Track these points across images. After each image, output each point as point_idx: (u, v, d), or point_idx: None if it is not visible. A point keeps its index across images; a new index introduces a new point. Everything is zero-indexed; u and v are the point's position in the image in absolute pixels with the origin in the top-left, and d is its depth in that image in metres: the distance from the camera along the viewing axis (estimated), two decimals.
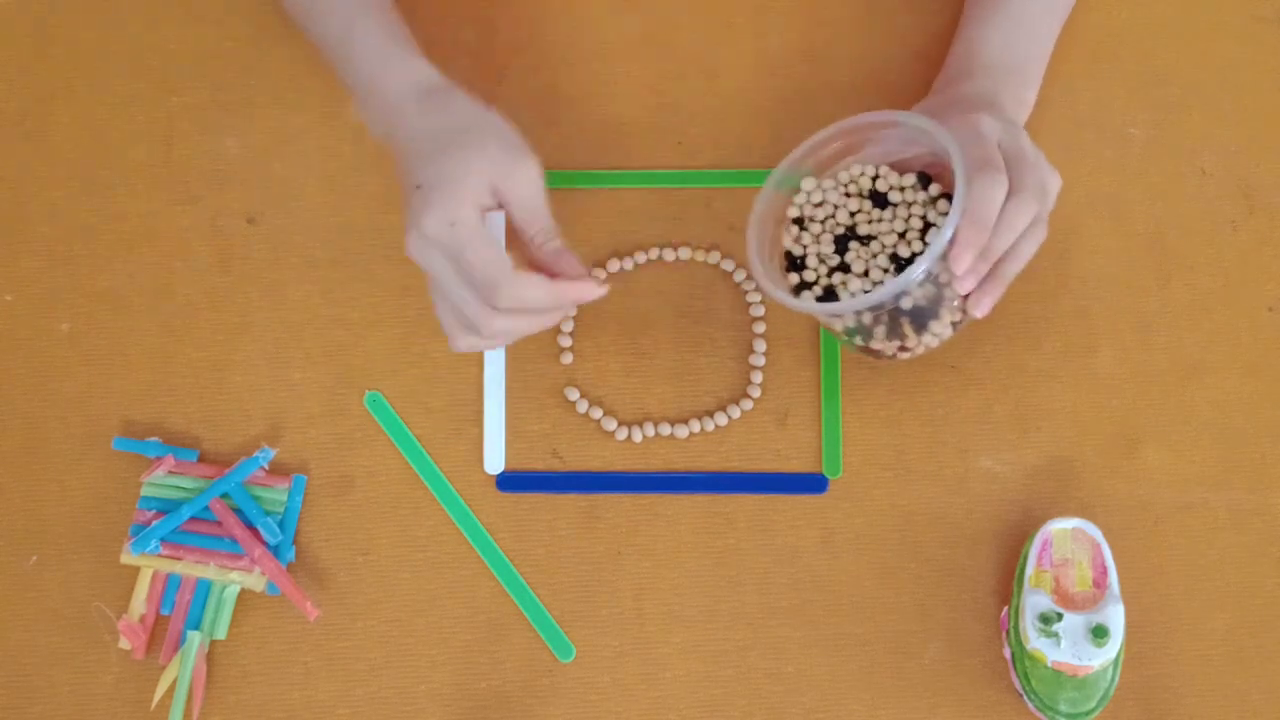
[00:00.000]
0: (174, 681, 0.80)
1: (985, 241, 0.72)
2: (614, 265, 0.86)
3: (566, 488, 0.83)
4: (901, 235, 0.76)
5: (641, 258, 0.86)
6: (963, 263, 0.71)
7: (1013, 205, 0.72)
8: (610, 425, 0.83)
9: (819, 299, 0.76)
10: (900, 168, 0.77)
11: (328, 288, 0.86)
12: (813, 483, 0.83)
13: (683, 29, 0.89)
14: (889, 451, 0.83)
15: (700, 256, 0.86)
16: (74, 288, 0.86)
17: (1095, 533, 0.79)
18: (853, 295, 0.75)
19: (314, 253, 0.86)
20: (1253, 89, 0.88)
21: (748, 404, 0.84)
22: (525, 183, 0.73)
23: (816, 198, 0.78)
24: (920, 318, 0.75)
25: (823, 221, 0.78)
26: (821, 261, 0.77)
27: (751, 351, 0.84)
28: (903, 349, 0.77)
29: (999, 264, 0.74)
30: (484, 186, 0.72)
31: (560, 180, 0.87)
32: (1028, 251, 0.74)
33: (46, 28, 0.89)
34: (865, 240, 0.76)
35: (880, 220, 0.76)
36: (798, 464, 0.83)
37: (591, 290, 0.74)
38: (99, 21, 0.89)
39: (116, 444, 0.83)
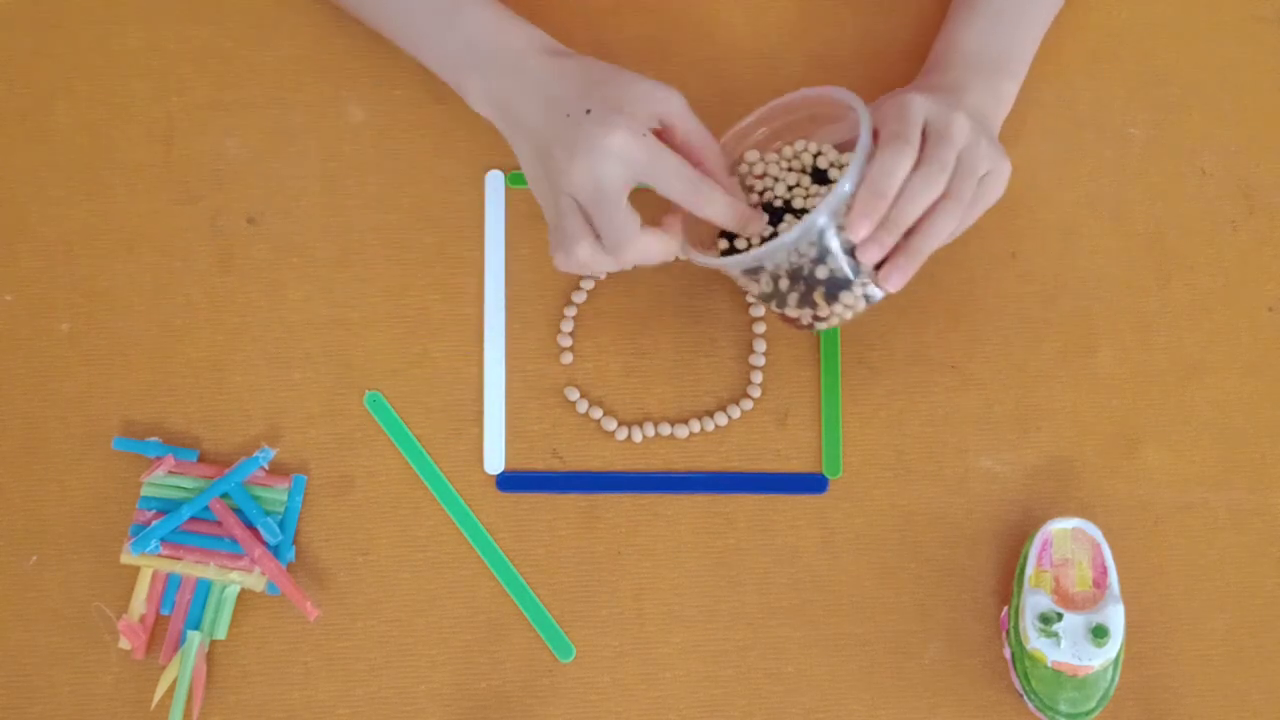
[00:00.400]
0: (174, 681, 0.80)
1: (883, 210, 0.72)
2: None
3: (566, 488, 0.83)
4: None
5: None
6: (859, 229, 0.72)
7: (916, 177, 0.72)
8: (610, 425, 0.83)
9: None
10: (849, 148, 0.77)
11: (328, 288, 0.86)
12: (813, 483, 0.83)
13: (683, 29, 0.89)
14: (889, 451, 0.83)
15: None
16: (74, 288, 0.86)
17: (1095, 533, 0.79)
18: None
19: (314, 253, 0.86)
20: (1253, 89, 0.88)
21: (748, 404, 0.84)
22: (679, 108, 0.75)
23: (759, 169, 0.78)
24: (833, 288, 0.75)
25: (761, 193, 0.78)
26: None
27: (751, 351, 0.84)
28: (816, 318, 0.77)
29: (910, 239, 0.74)
30: (649, 112, 0.74)
31: None
32: (940, 229, 0.74)
33: (46, 28, 0.89)
34: (799, 214, 0.76)
35: (815, 195, 0.76)
36: (798, 464, 0.83)
37: (760, 223, 0.76)
38: (99, 21, 0.89)
39: (116, 444, 0.83)
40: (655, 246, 0.75)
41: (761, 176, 0.78)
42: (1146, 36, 0.88)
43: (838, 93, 0.76)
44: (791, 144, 0.78)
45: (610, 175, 0.72)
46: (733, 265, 0.75)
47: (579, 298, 0.85)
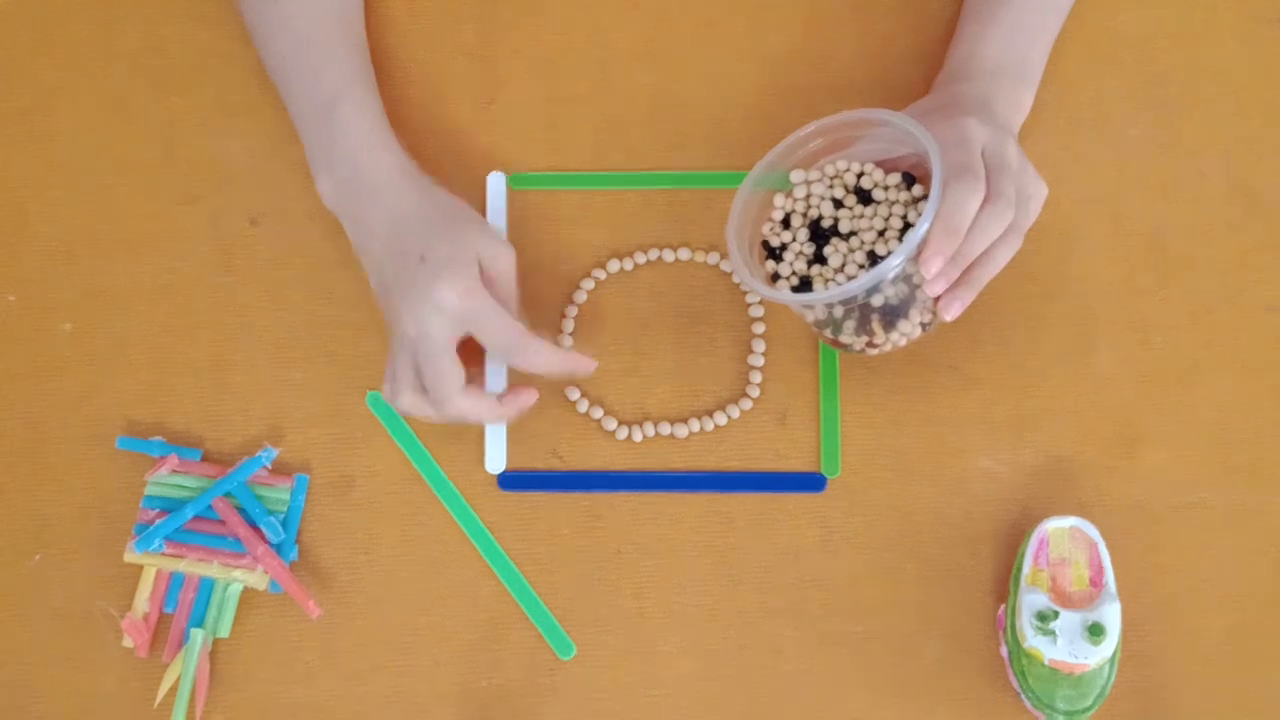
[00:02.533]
0: (177, 680, 0.80)
1: (956, 246, 0.72)
2: (614, 265, 0.86)
3: (567, 487, 0.83)
4: (881, 234, 0.76)
5: (641, 258, 0.86)
6: (933, 266, 0.72)
7: (987, 212, 0.73)
8: (610, 425, 0.84)
9: (794, 289, 0.77)
10: (888, 166, 0.78)
11: (329, 287, 0.86)
12: (812, 482, 0.83)
13: (683, 29, 0.89)
14: (888, 451, 0.83)
15: (700, 257, 0.86)
16: (76, 288, 0.86)
17: (1092, 531, 0.79)
18: (826, 287, 0.75)
19: (316, 253, 0.86)
20: (1253, 89, 0.88)
21: (747, 404, 0.84)
22: (506, 265, 0.78)
23: (801, 191, 0.78)
24: (890, 315, 0.76)
25: (804, 214, 0.78)
26: (799, 254, 0.77)
27: (751, 351, 0.85)
28: (870, 345, 0.78)
29: (971, 269, 0.75)
30: (478, 264, 0.76)
31: (560, 180, 0.87)
32: (1001, 259, 0.75)
33: (46, 28, 0.89)
34: (845, 236, 0.77)
35: (861, 217, 0.77)
36: (797, 463, 0.83)
37: (588, 365, 0.80)
38: (99, 21, 0.89)
39: (120, 443, 0.84)
40: (474, 408, 0.77)
41: (805, 197, 0.78)
42: (1146, 37, 0.88)
43: (903, 120, 0.75)
44: (833, 162, 0.78)
45: (437, 327, 0.75)
46: (792, 302, 0.75)
47: (579, 297, 0.86)
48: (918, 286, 0.75)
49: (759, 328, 0.85)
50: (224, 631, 0.81)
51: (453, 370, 0.76)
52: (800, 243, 0.77)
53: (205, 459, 0.84)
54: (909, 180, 0.77)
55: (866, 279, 0.72)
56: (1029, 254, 0.84)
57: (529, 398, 0.80)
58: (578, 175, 0.87)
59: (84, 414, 0.84)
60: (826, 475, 0.83)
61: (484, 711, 0.80)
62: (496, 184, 0.87)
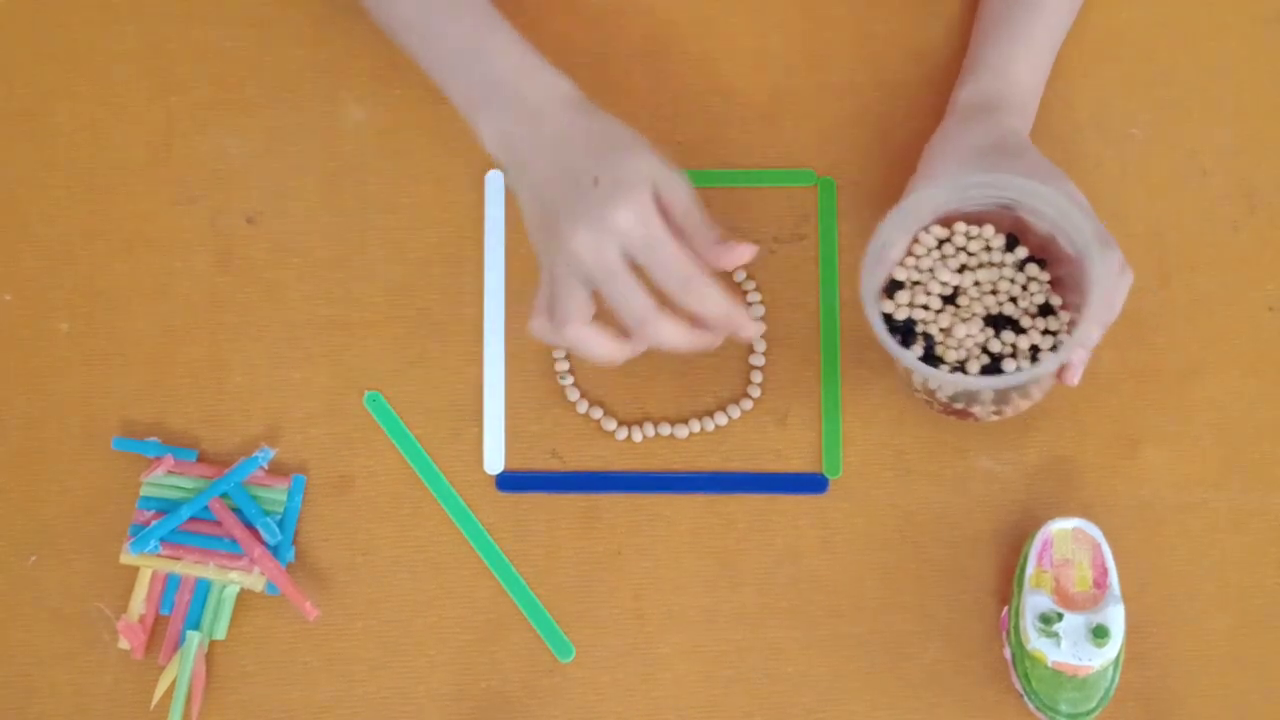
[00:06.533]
0: (173, 681, 0.80)
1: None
2: None
3: (566, 488, 0.83)
4: (993, 293, 0.76)
5: None
6: (1081, 353, 0.76)
7: (1123, 284, 0.77)
8: (610, 425, 0.83)
9: (920, 359, 0.75)
10: (972, 219, 0.77)
11: (327, 287, 0.86)
12: (813, 483, 0.83)
13: (683, 29, 0.89)
14: (889, 451, 0.83)
15: None
16: (73, 287, 0.86)
17: (1096, 533, 0.79)
18: (957, 366, 0.75)
19: (314, 253, 0.86)
20: (1253, 89, 0.88)
21: (748, 404, 0.84)
22: (684, 193, 0.73)
23: (921, 251, 0.76)
24: (1024, 386, 0.76)
25: (919, 285, 0.77)
26: (924, 324, 0.76)
27: (751, 351, 0.84)
28: (997, 413, 0.79)
29: None
30: (653, 188, 0.72)
31: None
32: (1117, 313, 0.78)
33: (46, 28, 0.89)
34: (951, 299, 0.76)
35: (974, 284, 0.76)
36: (798, 464, 0.83)
37: (756, 326, 0.75)
38: (99, 21, 0.89)
39: (116, 444, 0.83)
40: (677, 335, 0.72)
41: (922, 262, 0.76)
42: (1146, 36, 0.88)
43: (1074, 214, 0.73)
44: (929, 228, 0.76)
45: (611, 250, 0.71)
46: (952, 382, 0.74)
47: None
48: None
49: (760, 327, 0.84)
50: (220, 633, 0.81)
51: (644, 291, 0.71)
52: (915, 308, 0.76)
53: (202, 459, 0.83)
54: (1011, 242, 0.76)
55: (1040, 367, 0.72)
56: None
57: (749, 326, 0.74)
58: None
59: (81, 414, 0.84)
60: (828, 476, 0.83)
61: (482, 713, 0.80)
62: (495, 182, 0.87)
